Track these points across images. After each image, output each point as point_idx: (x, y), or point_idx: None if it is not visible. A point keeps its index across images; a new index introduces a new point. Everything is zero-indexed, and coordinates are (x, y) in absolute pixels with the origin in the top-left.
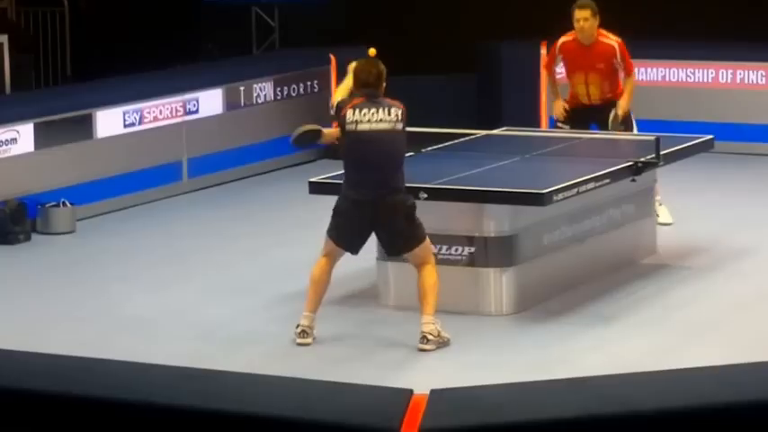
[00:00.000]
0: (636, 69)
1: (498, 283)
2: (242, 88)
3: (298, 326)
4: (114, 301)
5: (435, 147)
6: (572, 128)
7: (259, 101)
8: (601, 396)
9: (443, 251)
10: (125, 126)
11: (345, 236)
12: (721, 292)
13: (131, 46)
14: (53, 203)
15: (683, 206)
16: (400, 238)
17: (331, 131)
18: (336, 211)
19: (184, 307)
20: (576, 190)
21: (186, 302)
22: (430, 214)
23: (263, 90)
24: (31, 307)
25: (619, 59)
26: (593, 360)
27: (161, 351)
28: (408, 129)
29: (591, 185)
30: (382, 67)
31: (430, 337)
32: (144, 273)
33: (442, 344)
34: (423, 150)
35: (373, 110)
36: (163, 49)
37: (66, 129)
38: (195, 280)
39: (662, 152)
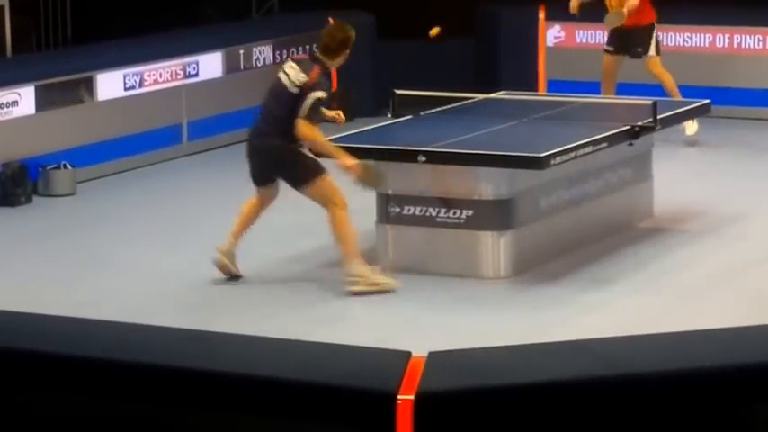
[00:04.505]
0: None
1: (496, 247)
2: (241, 52)
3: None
4: (115, 262)
5: (433, 110)
6: (615, 51)
7: (258, 64)
8: (597, 358)
9: (441, 214)
10: (125, 89)
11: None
12: (717, 255)
13: (131, 9)
14: (54, 166)
15: (679, 170)
16: (285, 179)
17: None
18: None
19: (184, 269)
20: (573, 154)
21: (186, 264)
22: (428, 177)
23: (263, 53)
24: (32, 268)
25: None
26: (589, 323)
27: (161, 312)
28: (407, 92)
29: (588, 149)
30: (343, 37)
31: (353, 279)
32: (144, 235)
33: (376, 287)
34: (421, 114)
35: (297, 66)
36: (163, 13)
37: (67, 91)
38: (195, 242)
39: (659, 116)
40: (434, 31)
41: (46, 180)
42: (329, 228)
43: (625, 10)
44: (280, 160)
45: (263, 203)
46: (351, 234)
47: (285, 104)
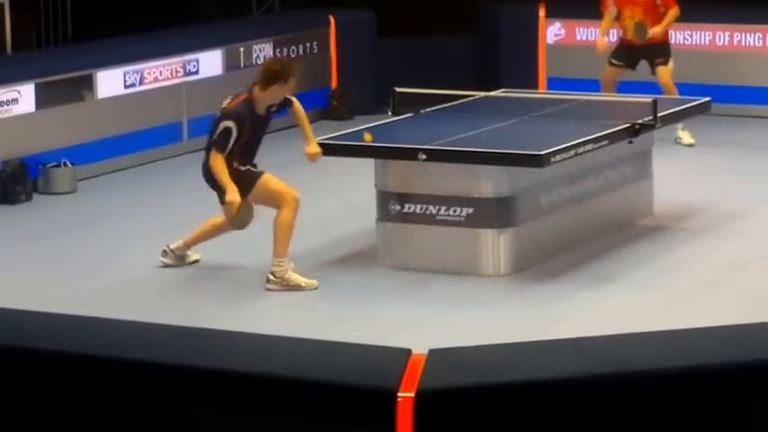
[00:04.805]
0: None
1: (496, 244)
2: (242, 49)
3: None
4: (114, 260)
5: (434, 108)
6: (626, 65)
7: (258, 62)
8: (597, 355)
9: (442, 212)
10: (125, 87)
11: None
12: (717, 253)
13: (131, 7)
14: (54, 163)
15: (679, 168)
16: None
17: None
18: None
19: (184, 267)
20: (573, 151)
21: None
22: (428, 175)
23: (263, 51)
24: (32, 266)
25: None
26: (589, 320)
27: (161, 310)
28: (407, 89)
29: (588, 147)
30: (276, 69)
31: (271, 277)
32: (144, 232)
33: (289, 287)
34: (421, 112)
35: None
36: (163, 11)
37: (67, 89)
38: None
39: (659, 114)
40: (368, 137)
41: (46, 178)
42: (273, 224)
43: (651, 32)
44: (214, 183)
45: (226, 225)
46: (288, 235)
47: (215, 127)
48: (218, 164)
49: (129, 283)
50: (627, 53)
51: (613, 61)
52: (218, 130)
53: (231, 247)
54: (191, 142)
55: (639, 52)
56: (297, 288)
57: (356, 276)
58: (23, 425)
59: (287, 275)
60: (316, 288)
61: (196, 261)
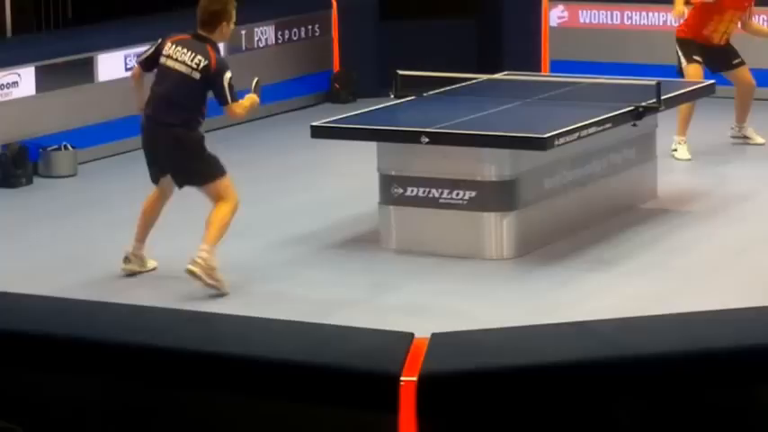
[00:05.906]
0: (638, 13)
1: (499, 228)
2: (243, 32)
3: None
4: (115, 244)
5: (436, 91)
6: (706, 64)
7: (260, 45)
8: (601, 339)
9: (444, 195)
10: (126, 69)
11: (148, 165)
12: (721, 236)
13: None
14: (55, 147)
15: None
16: (181, 173)
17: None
18: None
19: (185, 250)
20: (577, 134)
21: (187, 246)
22: (431, 158)
23: (265, 34)
24: (33, 250)
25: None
26: (593, 304)
27: (162, 294)
28: (409, 72)
29: (592, 130)
30: (221, 7)
31: (199, 260)
32: None
33: (212, 280)
34: (424, 95)
35: (185, 50)
36: None
37: (68, 72)
38: (196, 224)
39: (663, 97)
40: None
41: (46, 161)
42: (209, 214)
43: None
44: (184, 150)
45: (160, 193)
46: (222, 226)
47: (191, 88)
48: (239, 108)
49: None
50: (705, 54)
51: (696, 58)
52: (227, 84)
53: (228, 231)
54: None
55: (713, 54)
56: (216, 285)
57: (358, 260)
58: (22, 410)
59: (213, 265)
60: (226, 293)
61: (154, 269)
